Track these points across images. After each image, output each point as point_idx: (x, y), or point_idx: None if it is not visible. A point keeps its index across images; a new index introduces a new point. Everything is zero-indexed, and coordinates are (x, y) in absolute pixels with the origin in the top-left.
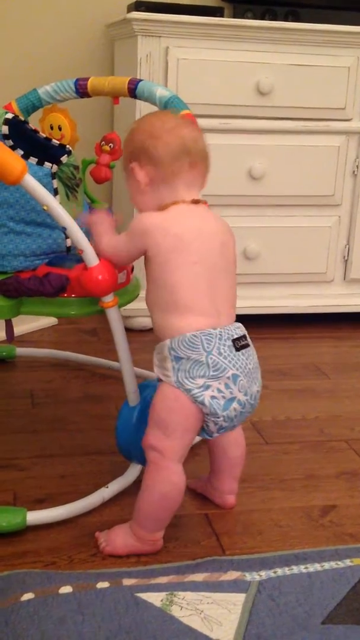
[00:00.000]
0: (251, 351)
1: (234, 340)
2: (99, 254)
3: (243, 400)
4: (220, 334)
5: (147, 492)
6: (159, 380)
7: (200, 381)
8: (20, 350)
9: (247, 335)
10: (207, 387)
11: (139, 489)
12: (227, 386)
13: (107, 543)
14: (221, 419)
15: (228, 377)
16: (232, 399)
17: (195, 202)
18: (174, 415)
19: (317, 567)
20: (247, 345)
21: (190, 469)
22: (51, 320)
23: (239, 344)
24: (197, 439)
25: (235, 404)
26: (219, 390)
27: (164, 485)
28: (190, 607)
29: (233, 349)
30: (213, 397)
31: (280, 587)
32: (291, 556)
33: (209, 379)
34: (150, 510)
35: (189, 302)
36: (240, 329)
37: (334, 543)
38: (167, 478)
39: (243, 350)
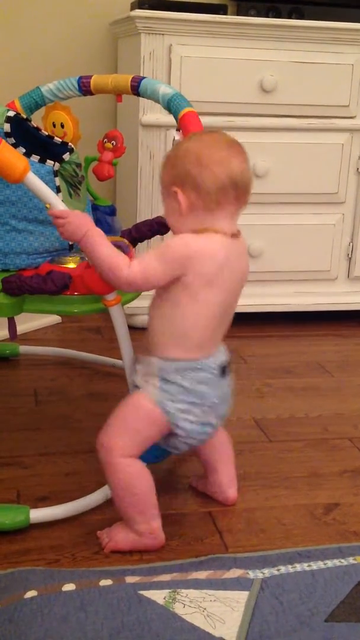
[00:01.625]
0: (230, 374)
1: (221, 368)
2: (113, 278)
3: (214, 423)
4: (210, 363)
5: (112, 491)
6: (135, 386)
7: (182, 406)
8: (24, 348)
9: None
10: (187, 412)
11: None
12: (204, 412)
13: (110, 539)
14: (195, 441)
15: (209, 406)
16: (206, 424)
17: (234, 235)
18: (140, 424)
19: (320, 565)
20: (230, 370)
21: (191, 468)
22: (55, 319)
23: (225, 371)
24: None
25: (208, 428)
26: (196, 415)
27: (120, 479)
28: (194, 604)
29: (219, 377)
30: (190, 422)
31: (283, 585)
32: (294, 554)
33: (190, 404)
34: (125, 503)
35: (196, 339)
36: (224, 353)
37: (337, 541)
38: (121, 471)
39: (226, 375)
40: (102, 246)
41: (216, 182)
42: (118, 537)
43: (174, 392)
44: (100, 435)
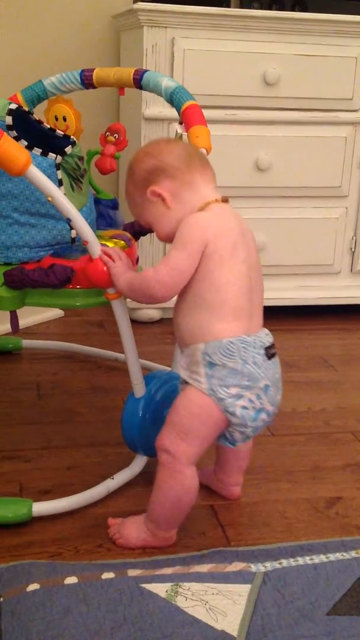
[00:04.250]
0: (278, 359)
1: (265, 349)
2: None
3: (270, 411)
4: (254, 342)
5: (161, 495)
6: (183, 382)
7: (234, 390)
8: (27, 342)
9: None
10: (240, 397)
11: (145, 481)
12: (258, 397)
13: (121, 536)
14: (250, 429)
15: (260, 388)
16: (261, 410)
17: (225, 200)
18: (197, 422)
19: (322, 558)
20: (275, 354)
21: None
22: (57, 312)
23: (269, 352)
24: None
25: (263, 415)
26: (250, 401)
27: (178, 490)
28: (195, 598)
29: (266, 358)
30: (244, 408)
31: (285, 578)
32: (297, 547)
33: (242, 388)
34: (165, 511)
35: (235, 302)
36: (269, 336)
37: (339, 534)
38: (181, 482)
39: (273, 359)
40: (133, 275)
41: (178, 155)
42: (131, 537)
43: (223, 376)
44: (161, 439)
